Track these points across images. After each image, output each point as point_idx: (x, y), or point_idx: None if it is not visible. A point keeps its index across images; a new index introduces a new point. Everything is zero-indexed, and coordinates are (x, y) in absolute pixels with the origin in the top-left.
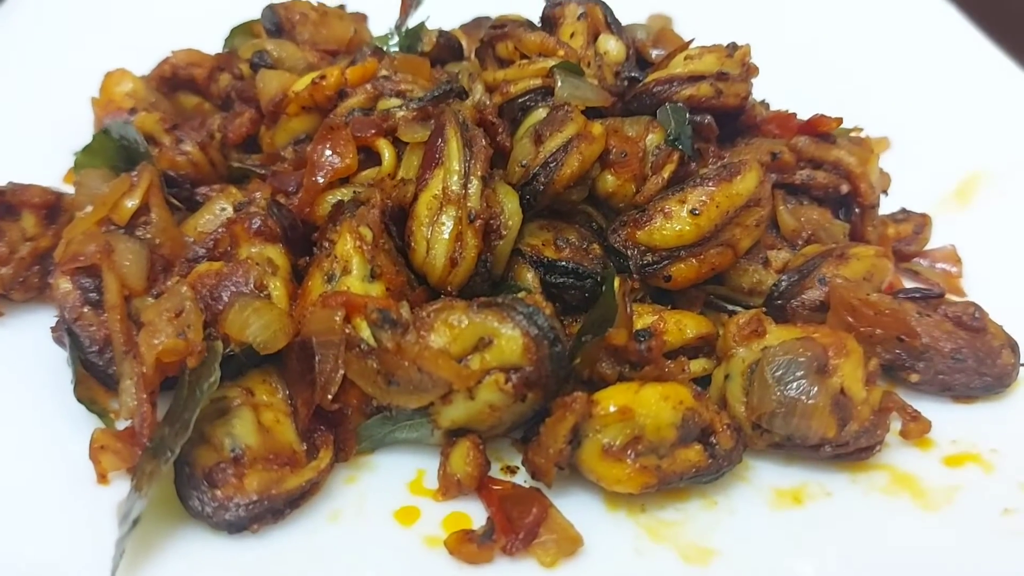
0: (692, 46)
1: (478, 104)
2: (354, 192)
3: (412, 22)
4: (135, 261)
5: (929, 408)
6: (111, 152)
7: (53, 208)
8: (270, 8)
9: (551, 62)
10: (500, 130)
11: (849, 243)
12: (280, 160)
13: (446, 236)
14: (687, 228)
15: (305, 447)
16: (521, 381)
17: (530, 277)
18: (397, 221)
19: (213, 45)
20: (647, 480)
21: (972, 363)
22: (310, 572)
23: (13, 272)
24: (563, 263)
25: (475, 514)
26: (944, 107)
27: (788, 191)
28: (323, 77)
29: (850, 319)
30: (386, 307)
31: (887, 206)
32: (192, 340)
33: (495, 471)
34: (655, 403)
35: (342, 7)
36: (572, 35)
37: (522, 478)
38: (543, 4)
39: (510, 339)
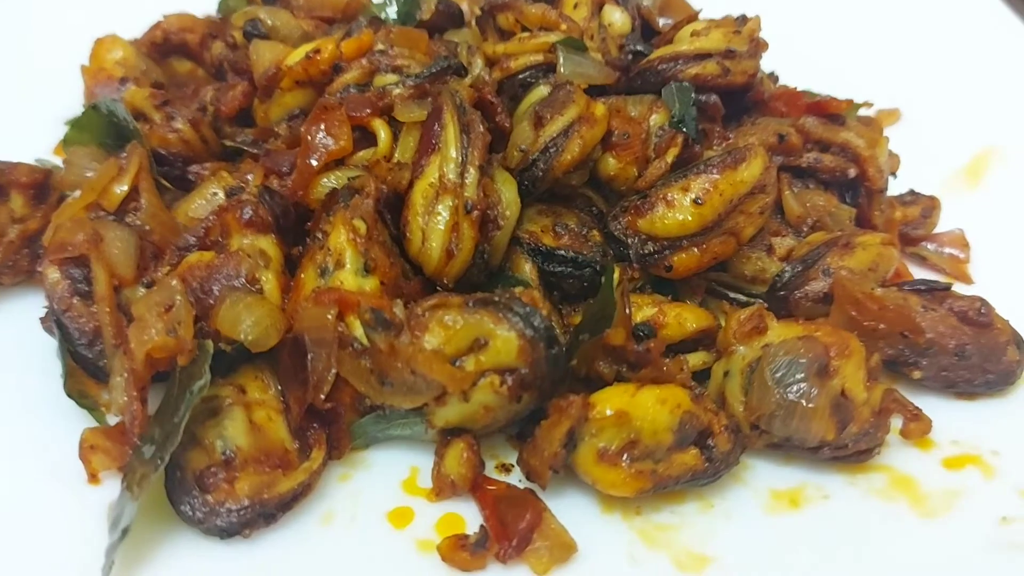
0: (700, 17)
1: (477, 80)
2: (348, 179)
3: None
4: (124, 250)
5: (930, 404)
6: (100, 128)
7: (41, 187)
8: None
9: (553, 37)
10: (499, 110)
11: (855, 230)
12: (274, 136)
13: (442, 227)
14: (690, 217)
15: (297, 445)
16: (517, 383)
17: (528, 268)
18: (392, 208)
19: (206, 7)
20: (642, 485)
21: (976, 360)
22: None
23: (2, 256)
24: (561, 252)
25: (469, 515)
26: (959, 78)
27: (794, 174)
28: (317, 51)
29: (853, 313)
30: (379, 307)
31: (896, 186)
32: (183, 338)
33: (490, 468)
34: (652, 407)
35: None
36: (576, 6)
37: (517, 477)
38: None
39: (506, 340)
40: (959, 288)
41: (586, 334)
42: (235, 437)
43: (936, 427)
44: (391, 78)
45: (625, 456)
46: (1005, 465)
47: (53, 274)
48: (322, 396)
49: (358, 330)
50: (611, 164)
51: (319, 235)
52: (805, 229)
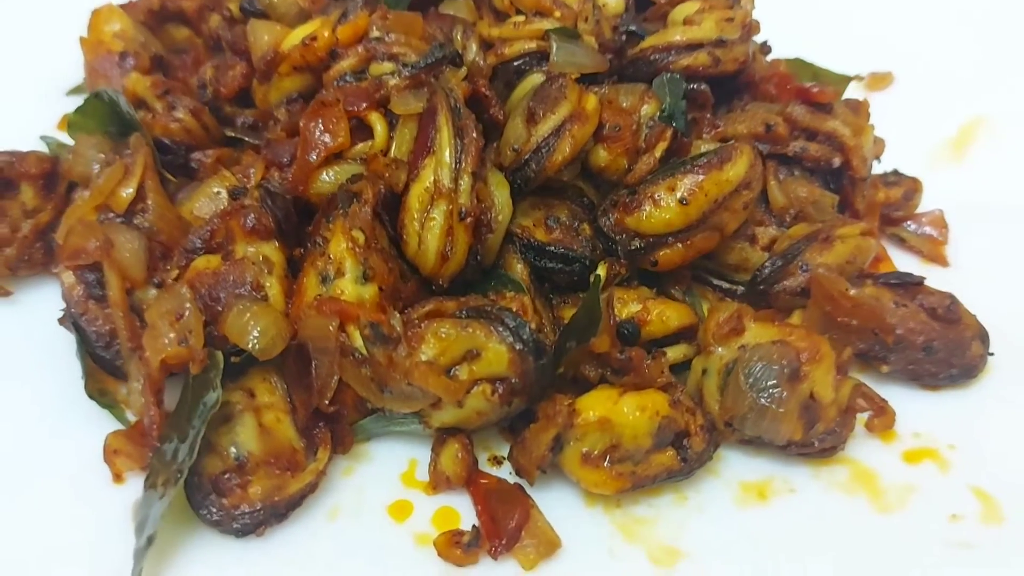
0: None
1: (472, 66)
2: (346, 180)
3: None
4: (135, 253)
5: (896, 394)
6: (104, 115)
7: (50, 176)
8: None
9: (547, 24)
10: (493, 103)
11: (836, 221)
12: (274, 120)
13: (437, 232)
14: (675, 216)
15: (304, 443)
16: (507, 391)
17: (519, 268)
18: (390, 207)
19: None
20: (622, 484)
21: (943, 355)
22: (311, 573)
23: (17, 252)
24: (552, 248)
25: (463, 508)
26: (953, 43)
27: (780, 161)
28: (314, 38)
29: (828, 309)
30: (378, 320)
31: (885, 157)
32: (194, 347)
33: (482, 461)
34: (632, 414)
35: None
36: None
37: (507, 470)
38: None
39: (497, 352)
40: (935, 270)
41: (573, 341)
42: (247, 443)
43: (900, 418)
44: (387, 66)
45: (607, 458)
46: (960, 460)
47: (68, 278)
48: (326, 400)
49: (358, 341)
50: (602, 156)
51: (319, 241)
52: (788, 219)
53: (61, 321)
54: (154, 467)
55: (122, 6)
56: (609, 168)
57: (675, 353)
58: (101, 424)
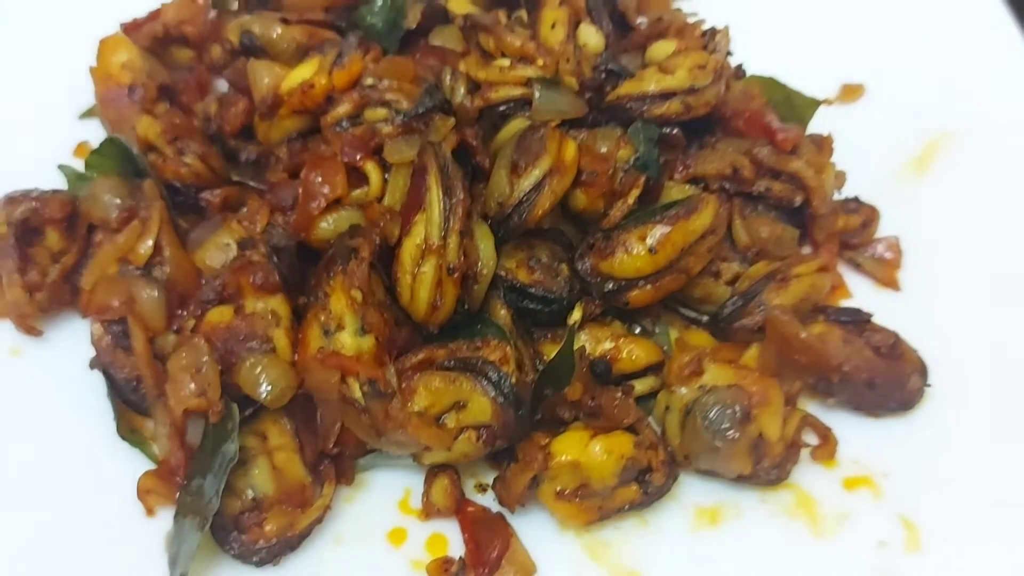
0: (668, 39)
1: (459, 108)
2: (344, 234)
3: None
4: (155, 305)
5: (839, 420)
6: (119, 157)
7: (72, 217)
8: None
9: (530, 71)
10: (478, 150)
11: (794, 259)
12: (275, 159)
13: (427, 284)
14: (645, 263)
15: (312, 478)
16: (490, 436)
17: (503, 314)
18: (385, 256)
19: None
20: (590, 516)
21: (883, 390)
22: None
23: (48, 296)
24: (533, 289)
25: (451, 533)
26: (925, 56)
27: (746, 198)
28: (311, 86)
29: (781, 346)
30: (375, 377)
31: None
32: (212, 399)
33: (469, 487)
34: (600, 457)
35: None
36: (553, 26)
37: (491, 497)
38: None
39: (481, 404)
40: (886, 296)
41: (549, 389)
42: (262, 485)
43: (841, 444)
44: (381, 113)
45: (577, 495)
46: (892, 488)
47: (97, 330)
48: (331, 443)
49: (357, 393)
50: (580, 199)
51: (321, 295)
52: (751, 255)
53: (92, 363)
54: (182, 502)
55: (126, 29)
56: (587, 210)
57: (643, 386)
58: (133, 459)
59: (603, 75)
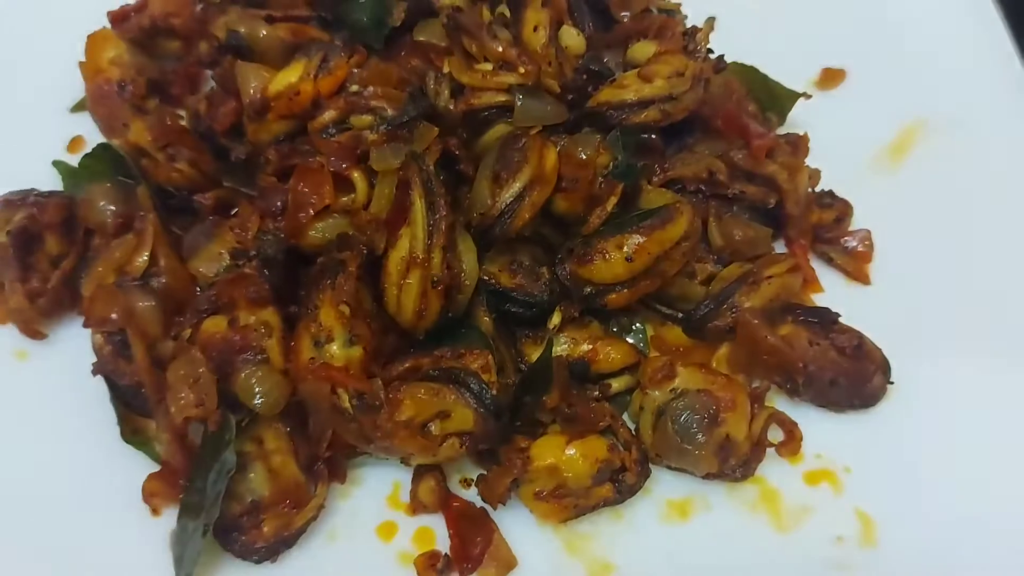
0: (649, 40)
1: (443, 112)
2: (332, 244)
3: None
4: (153, 315)
5: (804, 414)
6: (112, 161)
7: (69, 220)
8: None
9: (512, 79)
10: (462, 159)
11: (766, 259)
12: (265, 160)
13: (412, 295)
14: (622, 270)
15: (307, 477)
16: (473, 443)
17: (486, 320)
18: (372, 267)
19: None
20: (566, 514)
21: (846, 388)
22: None
23: (50, 301)
24: (515, 293)
25: (437, 527)
26: (902, 42)
27: (721, 199)
28: (297, 93)
29: (750, 347)
30: (362, 390)
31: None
32: (209, 408)
33: (454, 482)
34: (576, 461)
35: None
36: (536, 28)
37: (475, 491)
38: None
39: (463, 414)
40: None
41: (529, 397)
42: (259, 488)
43: (805, 438)
44: (366, 119)
45: (555, 495)
46: (852, 483)
47: (97, 340)
48: (323, 447)
49: (347, 403)
50: (561, 204)
51: (311, 307)
52: (726, 255)
53: (93, 369)
54: (185, 504)
55: (112, 20)
56: (567, 214)
57: (619, 384)
58: (137, 459)
59: (584, 76)
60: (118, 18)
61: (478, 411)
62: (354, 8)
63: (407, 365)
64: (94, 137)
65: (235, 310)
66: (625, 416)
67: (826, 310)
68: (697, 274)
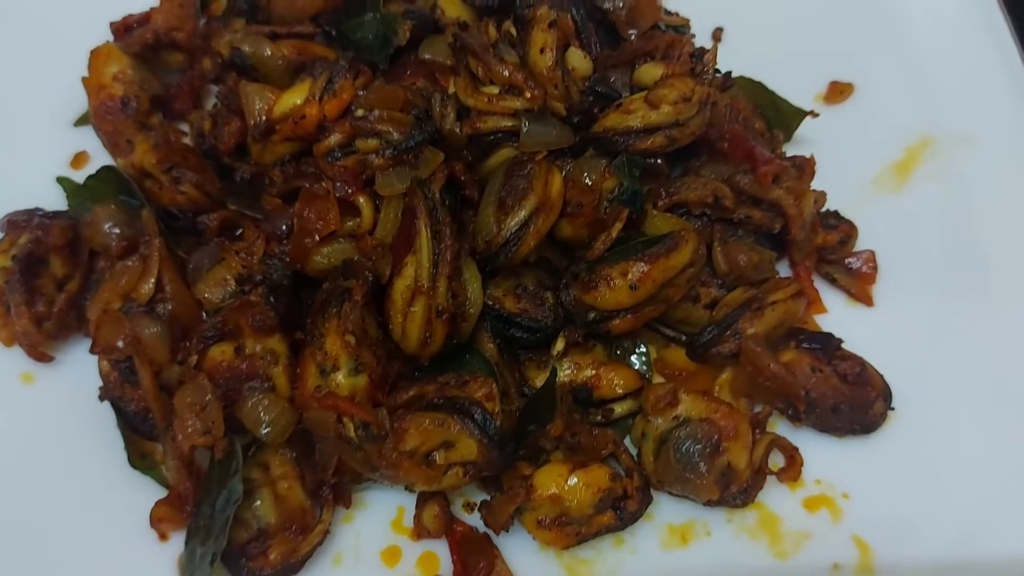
0: (656, 62)
1: (449, 135)
2: (337, 270)
3: None
4: (160, 341)
5: (805, 438)
6: (116, 182)
7: (74, 240)
8: None
9: (518, 103)
10: (468, 185)
11: (770, 284)
12: (269, 181)
13: (418, 323)
14: (626, 297)
15: (312, 503)
16: (476, 472)
17: (490, 347)
18: (377, 294)
19: None
20: (568, 541)
21: (848, 415)
22: None
23: (56, 324)
24: (519, 319)
25: (441, 551)
26: (912, 59)
27: (726, 223)
28: (303, 116)
29: (752, 373)
30: (367, 420)
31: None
32: (216, 436)
33: (457, 507)
34: (579, 490)
35: None
36: (542, 50)
37: (479, 516)
38: None
39: (467, 445)
40: (858, 312)
41: (532, 426)
42: (266, 515)
43: (806, 463)
44: (372, 143)
45: (557, 523)
46: (851, 509)
47: (104, 366)
48: (329, 475)
49: (352, 432)
50: (566, 229)
51: (317, 335)
52: (730, 280)
53: (100, 394)
54: (192, 530)
55: (115, 32)
56: (572, 238)
57: (622, 408)
58: (144, 483)
59: (590, 98)
60: (120, 29)
61: (482, 441)
62: (359, 27)
63: (411, 393)
64: (98, 152)
65: (241, 337)
66: (627, 440)
67: (829, 336)
68: (701, 298)
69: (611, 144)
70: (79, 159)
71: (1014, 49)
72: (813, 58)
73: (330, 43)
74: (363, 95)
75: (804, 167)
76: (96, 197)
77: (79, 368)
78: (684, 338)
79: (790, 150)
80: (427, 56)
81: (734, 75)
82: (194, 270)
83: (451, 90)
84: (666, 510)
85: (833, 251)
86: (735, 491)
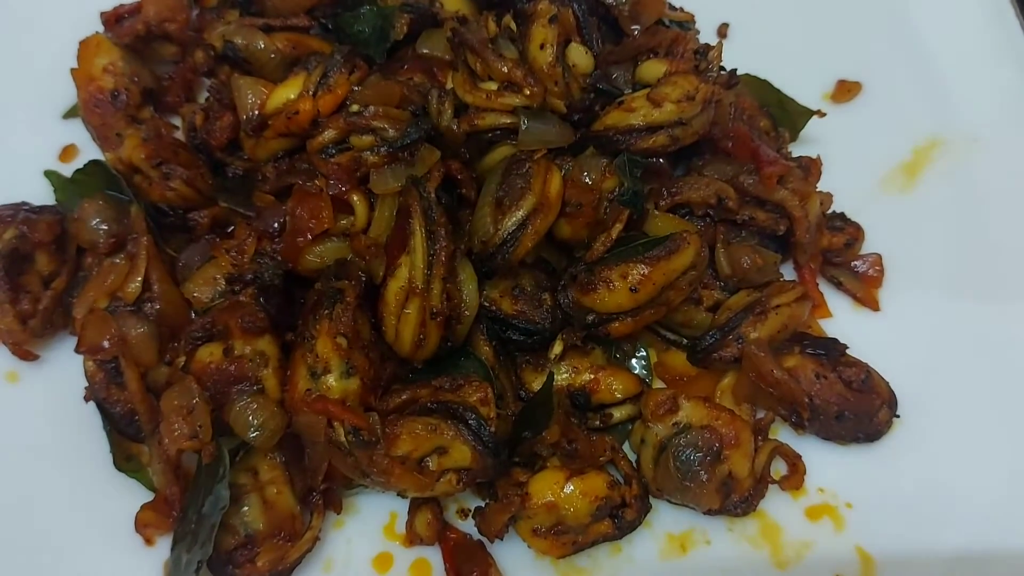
0: (660, 58)
1: (445, 132)
2: (329, 270)
3: None
4: (147, 342)
5: (808, 446)
6: (104, 177)
7: (61, 236)
8: None
9: (517, 100)
10: (465, 184)
11: (774, 287)
12: (262, 177)
13: (411, 325)
14: (626, 300)
15: (302, 508)
16: (470, 479)
17: (486, 350)
18: (370, 295)
19: None
20: (564, 551)
21: (852, 423)
22: None
23: (41, 322)
24: (516, 321)
25: (434, 559)
26: (922, 58)
27: (730, 224)
28: (296, 112)
29: (755, 378)
30: (358, 424)
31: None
32: (204, 440)
33: (450, 514)
34: (575, 498)
35: None
36: (542, 46)
37: (472, 522)
38: None
39: (461, 451)
40: (863, 316)
41: (528, 432)
42: (254, 521)
43: (808, 472)
44: (367, 140)
45: (553, 532)
46: (854, 519)
47: (90, 367)
48: (319, 480)
49: (343, 437)
50: (565, 229)
51: (308, 336)
52: (733, 282)
53: (86, 395)
54: (179, 535)
55: (106, 22)
56: (572, 239)
57: (621, 413)
58: (130, 485)
59: (591, 96)
60: (111, 20)
61: (476, 448)
62: (356, 20)
63: (404, 397)
64: (87, 145)
65: (230, 338)
66: (625, 446)
67: (834, 341)
68: (703, 300)
69: (612, 143)
70: (68, 152)
71: None
72: (820, 56)
73: (326, 36)
74: (358, 90)
75: (810, 168)
76: (84, 192)
77: (65, 367)
78: (685, 342)
79: (796, 150)
80: (425, 51)
81: (739, 72)
82: (183, 268)
83: (449, 86)
84: (665, 518)
85: (839, 254)
86: (736, 500)
